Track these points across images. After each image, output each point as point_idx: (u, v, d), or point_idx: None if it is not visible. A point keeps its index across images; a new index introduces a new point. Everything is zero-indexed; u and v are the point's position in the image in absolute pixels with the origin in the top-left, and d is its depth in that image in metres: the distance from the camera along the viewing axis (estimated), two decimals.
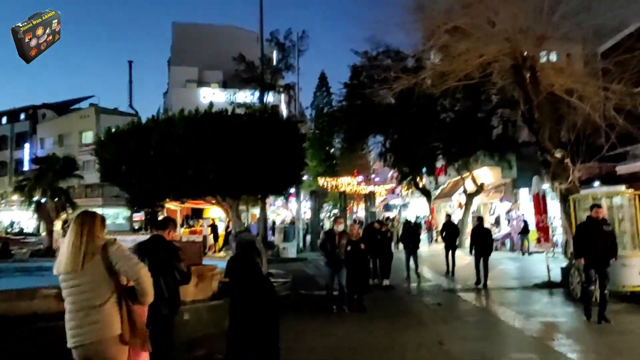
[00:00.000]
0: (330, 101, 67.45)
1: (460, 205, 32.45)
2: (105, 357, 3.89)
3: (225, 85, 52.24)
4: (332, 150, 63.66)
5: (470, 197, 29.09)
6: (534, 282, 14.28)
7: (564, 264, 13.94)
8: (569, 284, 12.10)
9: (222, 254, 23.55)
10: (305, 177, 27.33)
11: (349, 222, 24.29)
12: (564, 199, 13.46)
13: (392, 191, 64.24)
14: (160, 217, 30.55)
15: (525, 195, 26.83)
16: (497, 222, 29.03)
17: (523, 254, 23.79)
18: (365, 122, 28.66)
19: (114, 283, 3.96)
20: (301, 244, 30.56)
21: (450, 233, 18.37)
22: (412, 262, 16.87)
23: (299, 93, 34.29)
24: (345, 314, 10.79)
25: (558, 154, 13.34)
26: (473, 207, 30.15)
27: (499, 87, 15.86)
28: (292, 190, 35.24)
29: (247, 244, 6.45)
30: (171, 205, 24.52)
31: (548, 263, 14.16)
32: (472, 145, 26.08)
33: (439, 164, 31.19)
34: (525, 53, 12.99)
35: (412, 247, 17.03)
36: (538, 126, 13.52)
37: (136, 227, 41.06)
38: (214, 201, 21.06)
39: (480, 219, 17.11)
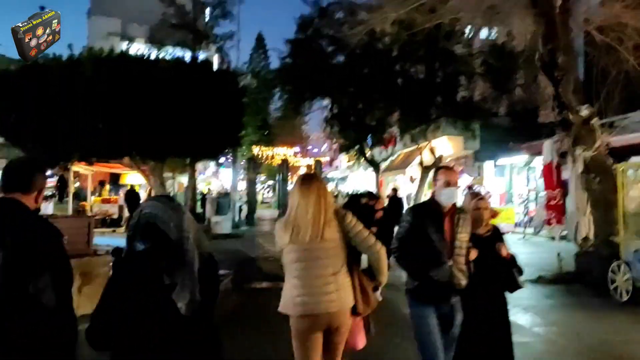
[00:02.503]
0: (268, 64, 63.53)
1: (412, 179, 29.56)
2: (338, 327, 3.65)
3: (152, 42, 47.37)
4: (267, 117, 59.99)
5: (426, 169, 26.11)
6: (539, 274, 11.35)
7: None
8: (608, 281, 9.17)
9: None
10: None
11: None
12: (588, 169, 10.52)
13: (330, 163, 61.37)
14: (76, 184, 26.05)
15: (490, 168, 24.28)
16: None
17: None
18: (312, 81, 25.03)
19: (345, 253, 3.74)
20: (236, 218, 27.32)
21: (394, 208, 16.38)
22: None
23: (238, 44, 30.23)
24: None
25: (584, 112, 10.33)
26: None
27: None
28: (223, 158, 31.67)
29: (158, 236, 2.60)
30: (80, 168, 20.27)
31: (559, 251, 11.30)
32: (434, 110, 23.07)
33: (393, 130, 28.01)
34: None
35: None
36: (560, 75, 10.41)
37: (48, 194, 35.59)
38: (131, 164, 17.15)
39: (395, 190, 17.63)
